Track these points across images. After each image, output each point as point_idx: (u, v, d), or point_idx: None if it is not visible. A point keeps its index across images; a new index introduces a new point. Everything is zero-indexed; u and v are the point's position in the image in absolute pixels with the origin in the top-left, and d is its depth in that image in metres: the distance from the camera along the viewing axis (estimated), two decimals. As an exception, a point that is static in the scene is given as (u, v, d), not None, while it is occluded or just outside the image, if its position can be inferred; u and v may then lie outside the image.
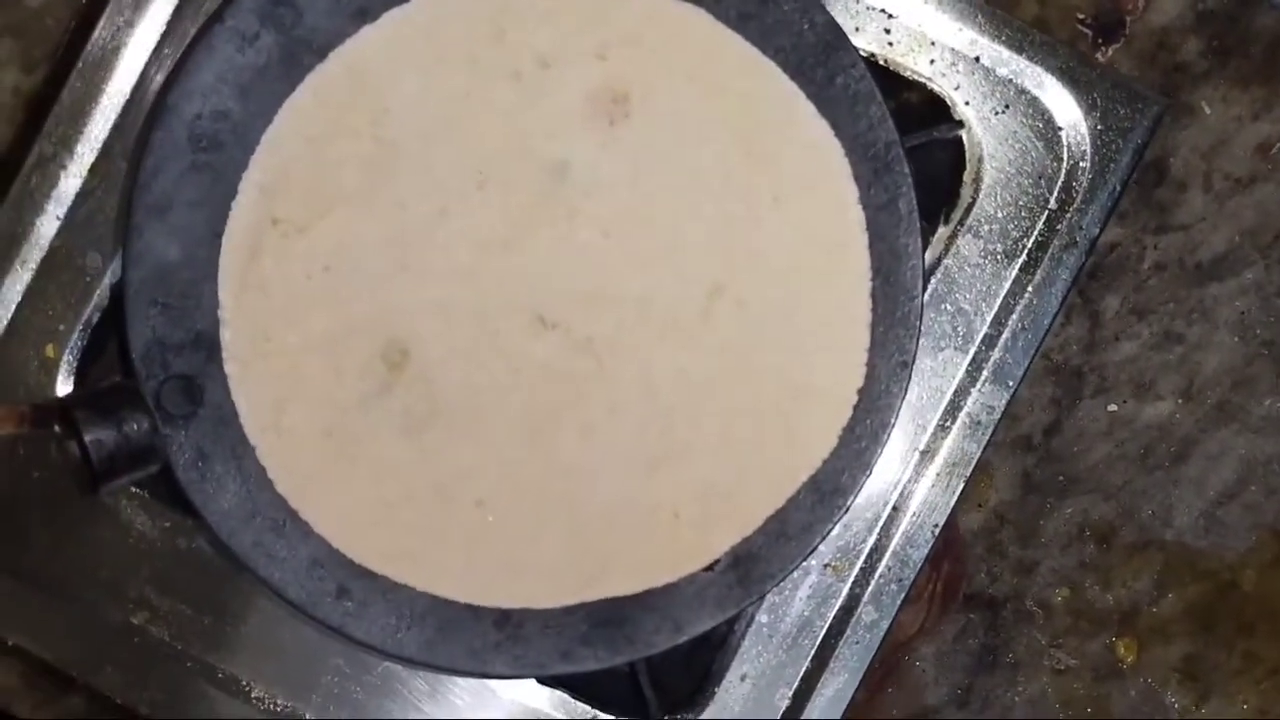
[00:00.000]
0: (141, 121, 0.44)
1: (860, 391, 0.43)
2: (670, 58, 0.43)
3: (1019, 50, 0.46)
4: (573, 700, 0.47)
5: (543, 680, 0.46)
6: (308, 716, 0.46)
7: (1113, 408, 0.58)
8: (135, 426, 0.40)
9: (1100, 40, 0.57)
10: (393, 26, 0.42)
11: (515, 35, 0.43)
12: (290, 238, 0.42)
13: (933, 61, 0.47)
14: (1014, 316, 0.46)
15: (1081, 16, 0.56)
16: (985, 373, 0.47)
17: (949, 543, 0.56)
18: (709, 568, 0.43)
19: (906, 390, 0.43)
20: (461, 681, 0.47)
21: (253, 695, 0.46)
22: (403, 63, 0.42)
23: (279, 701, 0.46)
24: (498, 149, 0.43)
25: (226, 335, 0.42)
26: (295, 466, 0.42)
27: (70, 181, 0.45)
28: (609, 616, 0.43)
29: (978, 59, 0.47)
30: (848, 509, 0.43)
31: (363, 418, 0.42)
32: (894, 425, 0.43)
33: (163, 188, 0.42)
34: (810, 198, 0.43)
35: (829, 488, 0.43)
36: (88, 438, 0.39)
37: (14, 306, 0.45)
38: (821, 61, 0.43)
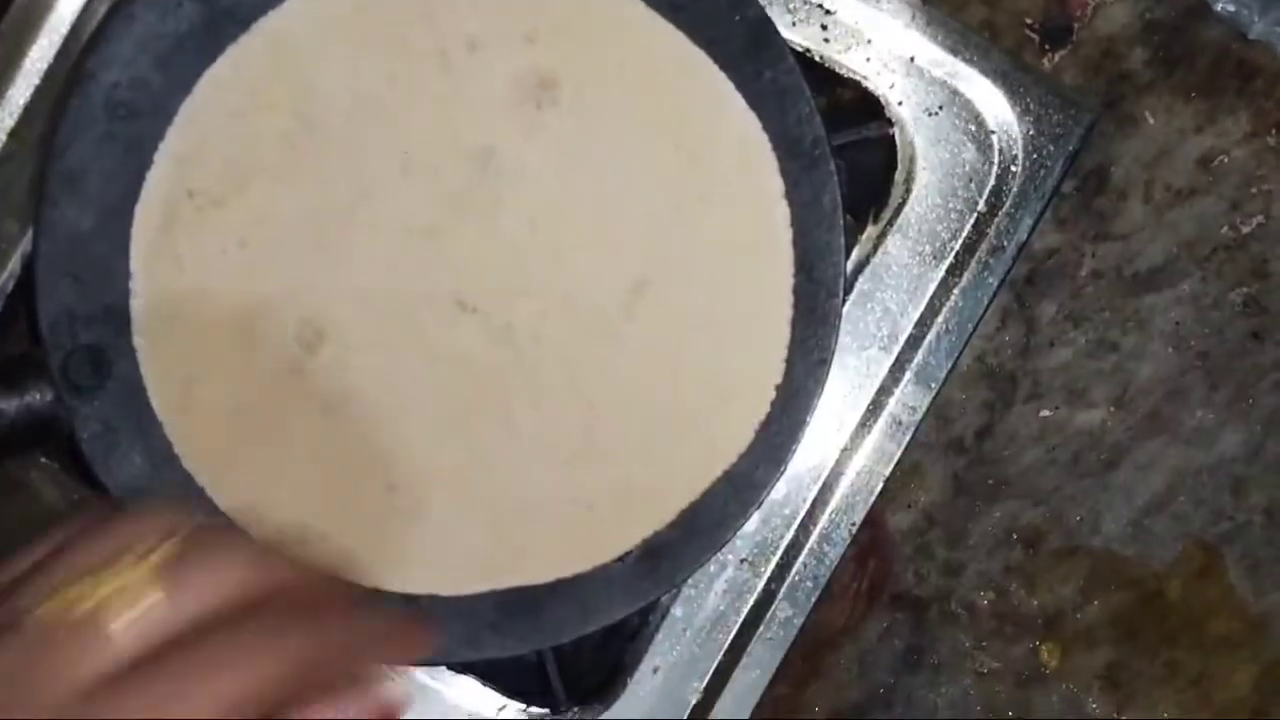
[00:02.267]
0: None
1: (778, 388, 0.43)
2: (600, 45, 0.43)
3: (955, 52, 0.46)
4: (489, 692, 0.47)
5: (451, 666, 0.45)
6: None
7: (1045, 413, 0.58)
8: (39, 397, 0.40)
9: (1047, 46, 0.57)
10: (319, 0, 0.42)
11: (444, 16, 0.42)
12: (205, 211, 0.41)
13: (868, 59, 0.46)
14: (939, 318, 0.46)
15: (1029, 22, 0.56)
16: (908, 374, 0.46)
17: (877, 541, 0.56)
18: (620, 559, 0.43)
19: (824, 388, 0.43)
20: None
21: (159, 673, 0.46)
22: (327, 38, 0.42)
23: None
24: (423, 132, 0.42)
25: (137, 307, 0.41)
26: (203, 443, 0.41)
27: (-11, 146, 0.45)
28: (517, 605, 0.43)
29: (913, 59, 0.47)
30: (760, 504, 0.43)
31: (274, 397, 0.42)
32: (810, 422, 0.43)
33: (77, 156, 0.41)
34: (736, 192, 0.43)
35: (743, 483, 0.43)
36: (-11, 407, 0.39)
37: (-72, 272, 0.45)
38: (751, 55, 0.43)
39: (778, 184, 0.43)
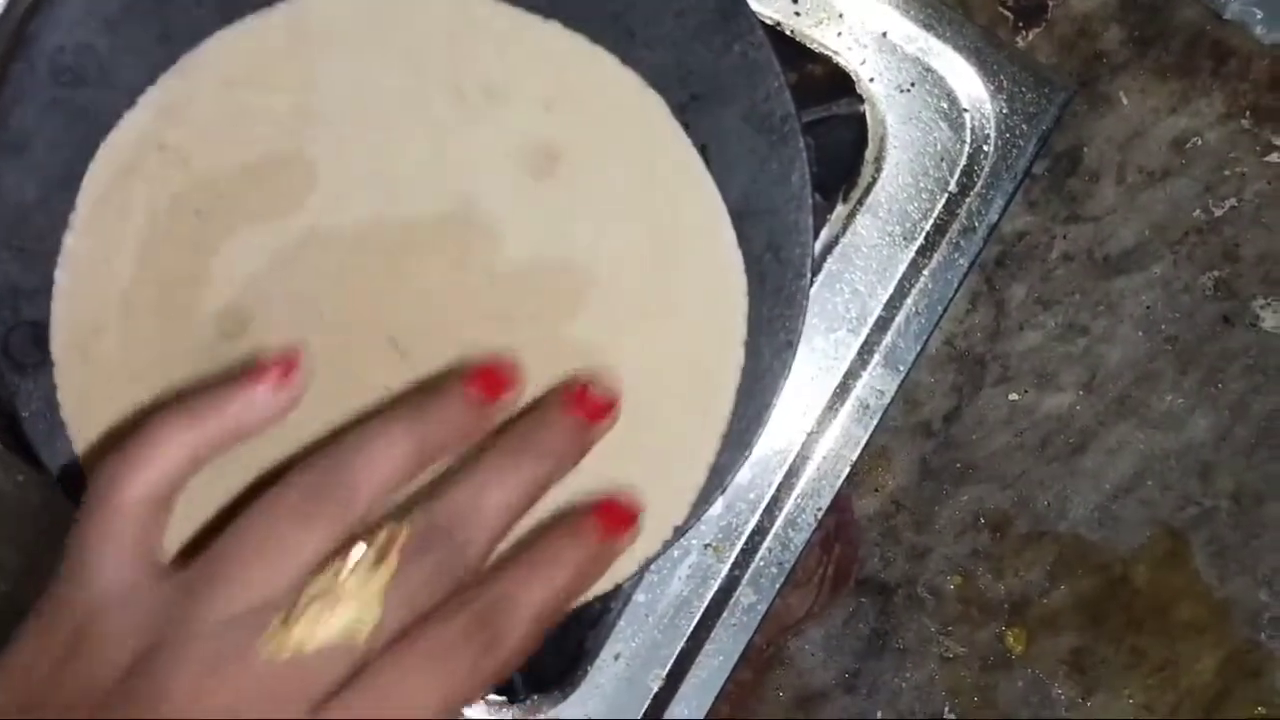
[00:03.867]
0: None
1: (743, 371, 0.42)
2: (604, 127, 0.41)
3: (928, 27, 0.45)
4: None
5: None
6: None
7: (1014, 397, 0.57)
8: (-22, 374, 0.39)
9: (1021, 24, 0.56)
10: None
11: (466, 52, 0.40)
12: (170, 168, 0.39)
13: (840, 34, 0.46)
14: (908, 300, 0.45)
15: (1004, -1, 0.55)
16: (877, 356, 0.46)
17: (842, 526, 0.56)
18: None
19: (790, 371, 0.42)
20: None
21: (107, 658, 0.45)
22: (345, 36, 0.40)
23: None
24: (412, 158, 0.40)
25: (69, 241, 0.39)
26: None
27: (-71, 113, 0.43)
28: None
29: (885, 34, 0.46)
30: (725, 489, 0.42)
31: (180, 369, 0.40)
32: (775, 406, 0.42)
33: (20, 124, 0.39)
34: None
35: (707, 468, 0.42)
36: (-75, 384, 0.38)
37: None
38: (720, 28, 0.41)
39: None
